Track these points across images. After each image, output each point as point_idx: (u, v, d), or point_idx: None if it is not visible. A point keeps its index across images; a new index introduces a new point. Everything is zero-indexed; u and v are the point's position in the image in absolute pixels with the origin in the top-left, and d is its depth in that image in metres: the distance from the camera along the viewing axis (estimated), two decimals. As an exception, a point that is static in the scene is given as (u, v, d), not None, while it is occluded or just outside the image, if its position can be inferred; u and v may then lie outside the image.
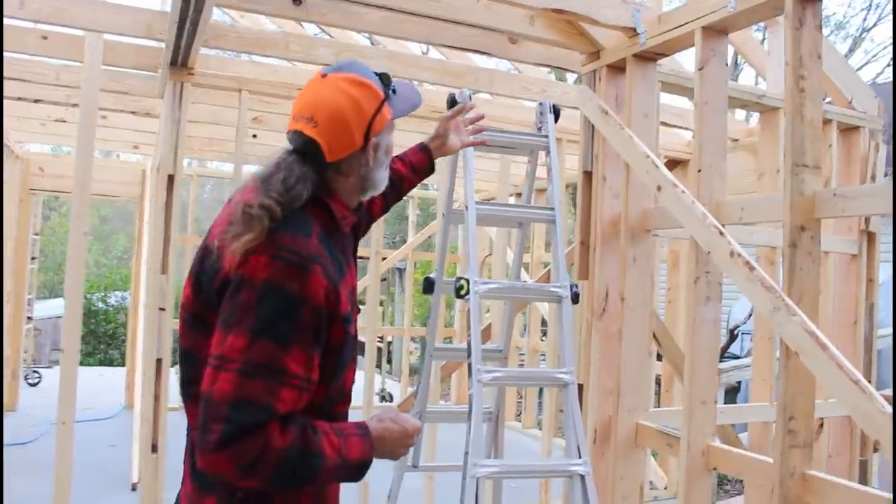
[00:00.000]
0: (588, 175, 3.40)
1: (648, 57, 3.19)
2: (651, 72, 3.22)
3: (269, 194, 1.34)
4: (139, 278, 7.66)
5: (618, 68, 3.33)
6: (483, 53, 3.48)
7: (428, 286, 3.04)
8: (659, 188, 2.85)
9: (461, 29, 3.40)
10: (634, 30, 3.11)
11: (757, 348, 4.21)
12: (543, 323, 7.71)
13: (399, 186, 2.03)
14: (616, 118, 3.16)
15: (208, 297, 1.35)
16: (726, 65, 2.86)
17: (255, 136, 5.59)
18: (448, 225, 3.16)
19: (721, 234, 2.56)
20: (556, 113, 3.06)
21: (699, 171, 2.79)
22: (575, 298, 2.78)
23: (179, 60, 3.50)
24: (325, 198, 1.45)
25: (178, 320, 1.54)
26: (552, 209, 2.93)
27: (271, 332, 1.25)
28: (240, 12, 5.21)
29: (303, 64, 4.38)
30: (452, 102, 2.81)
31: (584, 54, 3.42)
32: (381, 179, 1.57)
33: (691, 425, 2.72)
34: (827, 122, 4.08)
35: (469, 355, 2.53)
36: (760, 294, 2.34)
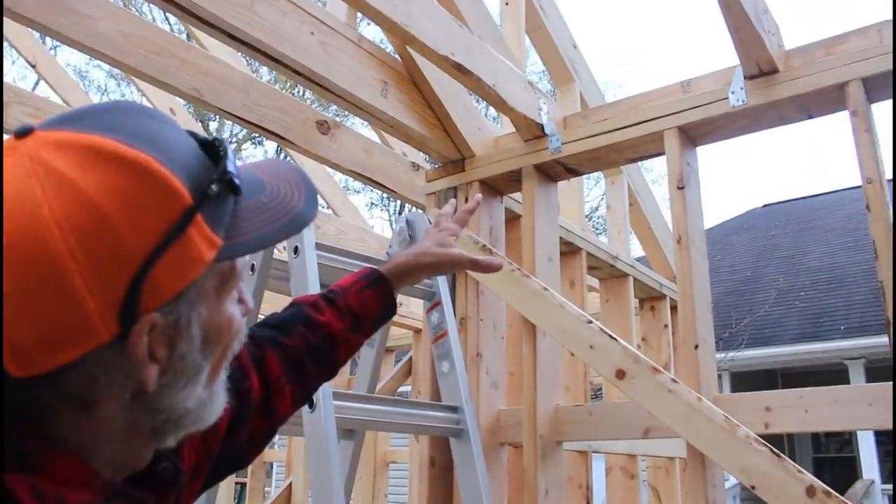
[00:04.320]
0: (446, 348, 2.10)
1: (552, 174, 2.13)
2: (553, 196, 2.15)
3: None
4: None
5: (493, 189, 2.21)
6: (279, 139, 2.11)
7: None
8: (622, 374, 1.68)
9: (256, 91, 2.01)
10: (542, 129, 2.04)
11: None
12: None
13: (329, 356, 0.97)
14: (511, 263, 1.99)
15: None
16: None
17: None
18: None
19: (778, 457, 1.46)
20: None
21: (696, 346, 1.69)
22: None
23: None
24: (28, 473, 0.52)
25: None
26: (454, 408, 1.58)
27: None
28: None
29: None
30: None
31: (440, 164, 2.25)
32: (203, 404, 0.61)
33: None
34: (660, 297, 3.40)
35: None
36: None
